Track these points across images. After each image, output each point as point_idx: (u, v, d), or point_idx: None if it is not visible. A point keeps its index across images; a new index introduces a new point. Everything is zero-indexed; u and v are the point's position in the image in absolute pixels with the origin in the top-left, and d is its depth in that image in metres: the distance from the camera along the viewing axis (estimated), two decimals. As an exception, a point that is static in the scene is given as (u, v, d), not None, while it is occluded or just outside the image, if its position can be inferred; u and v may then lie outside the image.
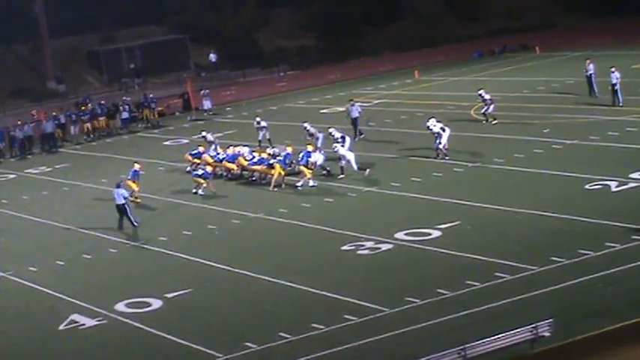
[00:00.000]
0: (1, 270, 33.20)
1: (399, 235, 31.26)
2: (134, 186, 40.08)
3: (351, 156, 40.14)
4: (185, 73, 76.39)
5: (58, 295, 29.90)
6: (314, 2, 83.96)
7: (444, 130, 40.87)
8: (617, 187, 33.64)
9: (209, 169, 40.85)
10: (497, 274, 26.66)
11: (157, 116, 60.83)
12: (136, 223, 36.28)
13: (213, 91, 66.22)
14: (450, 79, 63.37)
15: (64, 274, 32.31)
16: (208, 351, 24.26)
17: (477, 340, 21.34)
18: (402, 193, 36.67)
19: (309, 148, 39.94)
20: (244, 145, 43.41)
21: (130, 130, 59.16)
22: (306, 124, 44.99)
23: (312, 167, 39.19)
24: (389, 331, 23.87)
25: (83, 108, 61.33)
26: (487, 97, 47.21)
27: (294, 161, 40.29)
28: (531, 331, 21.72)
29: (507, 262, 27.44)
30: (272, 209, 36.45)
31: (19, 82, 75.37)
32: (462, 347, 21.12)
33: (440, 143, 40.66)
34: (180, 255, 32.42)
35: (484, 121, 47.04)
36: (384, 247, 30.44)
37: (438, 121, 41.38)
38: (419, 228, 31.64)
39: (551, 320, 21.94)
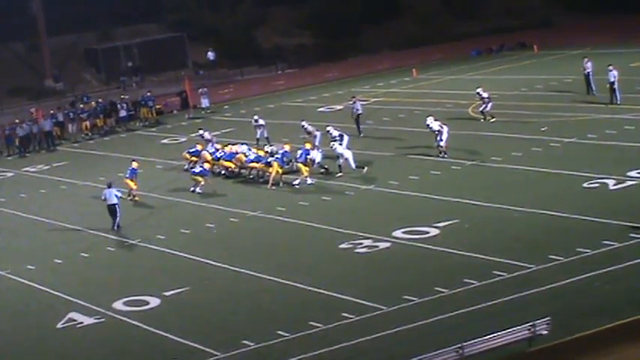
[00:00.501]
0: (-1, 268, 33.25)
1: (397, 233, 31.24)
2: (132, 184, 40.06)
3: (349, 154, 40.11)
4: (183, 71, 76.16)
5: (56, 293, 29.89)
6: (312, 0, 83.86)
7: (442, 128, 40.87)
8: (614, 185, 33.63)
9: (207, 166, 40.86)
10: (494, 272, 26.66)
11: (154, 114, 60.86)
12: (117, 227, 35.92)
13: (211, 89, 66.16)
14: (448, 78, 63.28)
15: (62, 272, 32.29)
16: (206, 349, 24.26)
17: (475, 339, 21.36)
18: (400, 192, 36.66)
19: (307, 146, 39.95)
20: (242, 144, 43.40)
21: (128, 129, 59.15)
22: (303, 123, 44.95)
23: (310, 164, 39.18)
24: (387, 330, 23.87)
25: (82, 106, 61.30)
26: (485, 95, 47.18)
27: (292, 159, 40.31)
28: (529, 330, 21.74)
29: (505, 261, 27.44)
30: (270, 207, 36.43)
31: (16, 80, 75.13)
32: (459, 345, 21.15)
33: (441, 140, 40.61)
34: (178, 253, 32.41)
35: (482, 119, 46.99)
36: (382, 245, 30.43)
37: (435, 120, 41.38)
38: (417, 226, 31.63)
39: (548, 318, 21.95)
